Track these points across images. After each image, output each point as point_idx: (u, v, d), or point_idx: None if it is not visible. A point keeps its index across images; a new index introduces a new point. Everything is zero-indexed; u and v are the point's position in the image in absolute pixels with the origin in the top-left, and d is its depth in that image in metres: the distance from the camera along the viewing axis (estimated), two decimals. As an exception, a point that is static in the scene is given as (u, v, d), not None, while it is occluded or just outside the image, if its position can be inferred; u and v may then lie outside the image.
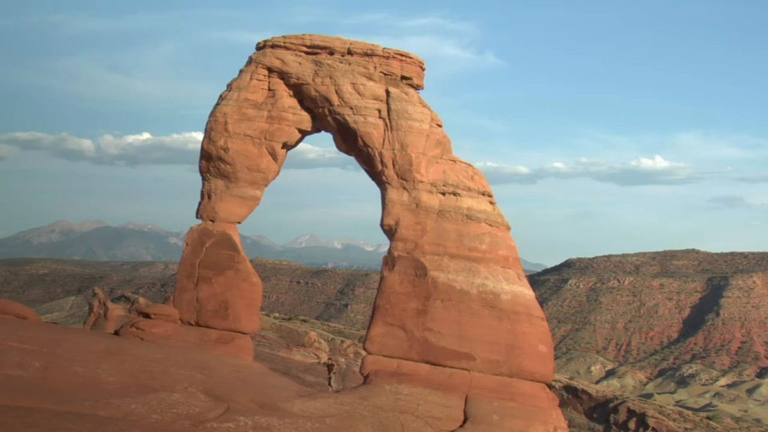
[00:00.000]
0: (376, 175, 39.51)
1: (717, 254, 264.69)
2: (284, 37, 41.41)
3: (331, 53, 40.54)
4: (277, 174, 42.48)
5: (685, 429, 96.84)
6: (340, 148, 41.56)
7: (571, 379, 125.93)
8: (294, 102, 41.04)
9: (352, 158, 41.53)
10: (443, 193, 38.62)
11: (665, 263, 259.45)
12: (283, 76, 40.62)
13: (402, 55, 40.49)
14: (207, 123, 41.39)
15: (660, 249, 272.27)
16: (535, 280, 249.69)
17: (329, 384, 40.18)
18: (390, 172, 38.63)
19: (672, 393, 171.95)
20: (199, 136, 42.37)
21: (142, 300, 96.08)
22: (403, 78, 40.35)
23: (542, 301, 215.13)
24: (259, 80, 40.91)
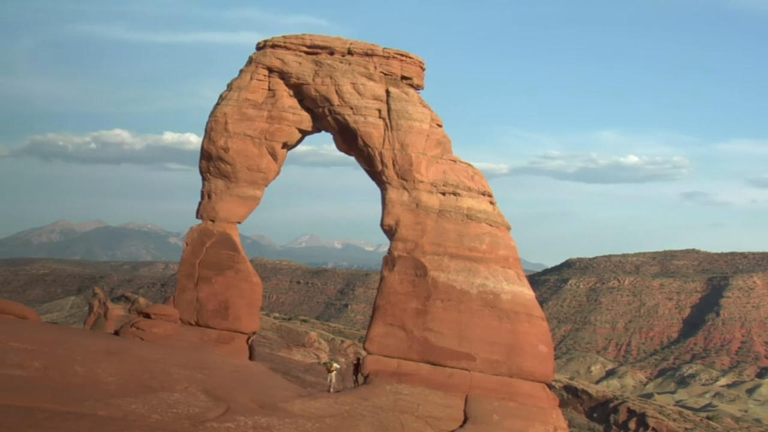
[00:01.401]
0: (377, 175, 39.50)
1: (717, 254, 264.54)
2: (284, 37, 41.40)
3: (331, 53, 40.53)
4: (278, 174, 42.46)
5: (685, 429, 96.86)
6: (340, 148, 41.54)
7: (571, 379, 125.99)
8: (294, 102, 41.02)
9: (353, 158, 41.55)
10: (443, 193, 38.62)
11: (665, 263, 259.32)
12: (283, 76, 40.60)
13: (402, 55, 40.46)
14: (207, 123, 41.37)
15: (659, 249, 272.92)
16: (535, 280, 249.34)
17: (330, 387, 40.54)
18: (390, 172, 38.62)
19: (672, 393, 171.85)
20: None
21: (142, 300, 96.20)
22: (403, 78, 40.33)
23: (542, 301, 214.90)
24: (259, 80, 40.89)
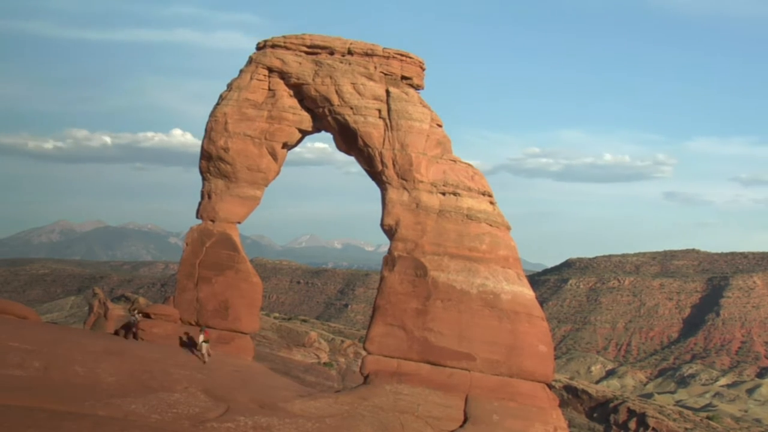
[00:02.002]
0: (377, 175, 39.49)
1: (717, 254, 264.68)
2: (284, 37, 41.40)
3: (332, 53, 40.52)
4: (278, 174, 42.47)
5: (685, 429, 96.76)
6: (340, 148, 41.52)
7: (571, 379, 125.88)
8: (294, 102, 41.02)
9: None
10: (443, 193, 38.59)
11: (665, 263, 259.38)
12: (284, 76, 40.59)
13: (402, 55, 40.43)
14: (207, 123, 41.37)
15: (659, 249, 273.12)
16: (535, 280, 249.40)
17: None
18: (390, 172, 38.61)
19: (672, 393, 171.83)
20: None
21: (142, 300, 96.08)
22: (404, 78, 40.30)
23: (542, 301, 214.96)
24: (259, 80, 40.88)
